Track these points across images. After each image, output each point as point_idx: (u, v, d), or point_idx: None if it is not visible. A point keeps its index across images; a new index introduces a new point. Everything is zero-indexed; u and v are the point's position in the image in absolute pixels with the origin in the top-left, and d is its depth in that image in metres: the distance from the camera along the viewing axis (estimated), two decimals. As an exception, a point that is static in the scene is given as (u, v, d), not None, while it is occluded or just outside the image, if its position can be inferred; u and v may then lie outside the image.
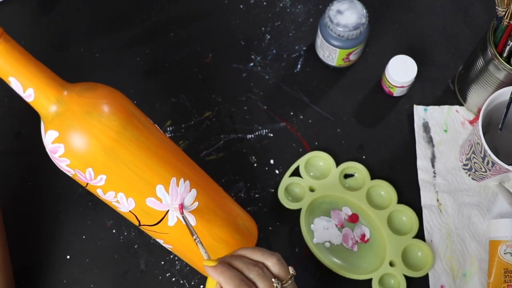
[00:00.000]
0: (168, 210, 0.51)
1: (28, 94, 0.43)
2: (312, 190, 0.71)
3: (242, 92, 0.76)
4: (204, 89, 0.76)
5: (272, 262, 0.49)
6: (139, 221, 0.52)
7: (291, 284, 0.49)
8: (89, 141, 0.44)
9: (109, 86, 0.47)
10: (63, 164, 0.46)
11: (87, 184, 0.48)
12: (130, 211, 0.51)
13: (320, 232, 0.69)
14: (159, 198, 0.50)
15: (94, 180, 0.47)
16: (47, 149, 0.46)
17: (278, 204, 0.70)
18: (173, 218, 0.52)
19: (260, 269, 0.48)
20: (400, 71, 0.71)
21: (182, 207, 0.51)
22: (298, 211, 0.70)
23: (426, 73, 0.76)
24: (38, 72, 0.42)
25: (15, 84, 0.42)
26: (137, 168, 0.47)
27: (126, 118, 0.46)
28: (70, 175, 0.47)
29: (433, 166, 0.72)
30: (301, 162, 0.72)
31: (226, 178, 0.72)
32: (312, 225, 0.70)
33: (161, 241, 0.58)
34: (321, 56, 0.76)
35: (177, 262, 0.69)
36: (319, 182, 0.71)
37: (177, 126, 0.75)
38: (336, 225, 0.70)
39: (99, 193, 0.49)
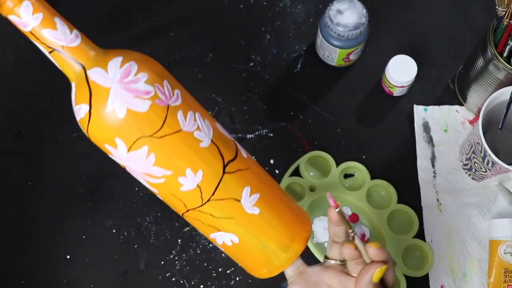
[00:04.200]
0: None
1: (75, 35, 0.46)
2: (312, 190, 0.71)
3: (242, 92, 0.76)
4: (204, 89, 0.76)
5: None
6: (222, 158, 0.48)
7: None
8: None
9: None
10: (140, 84, 0.44)
11: (167, 107, 0.45)
12: (211, 140, 0.47)
13: (320, 232, 0.69)
14: None
15: (173, 98, 0.45)
16: (118, 81, 0.44)
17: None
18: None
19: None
20: (400, 71, 0.71)
21: (335, 201, 0.47)
22: (298, 211, 0.70)
23: (426, 73, 0.76)
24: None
25: (61, 25, 0.44)
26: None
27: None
28: (147, 106, 0.44)
29: (433, 166, 0.72)
30: (301, 162, 0.72)
31: (226, 178, 0.72)
32: (312, 225, 0.70)
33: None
34: (321, 56, 0.76)
35: (177, 262, 0.69)
36: (319, 182, 0.71)
37: (177, 126, 0.75)
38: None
39: (180, 120, 0.45)
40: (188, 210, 0.49)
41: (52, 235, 0.71)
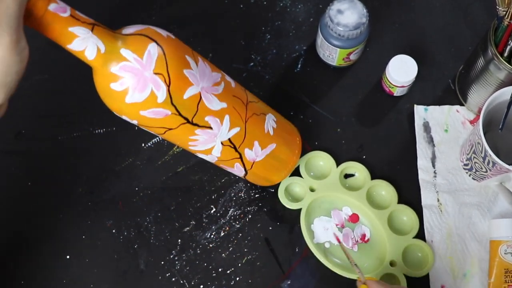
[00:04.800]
0: None
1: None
2: (312, 190, 0.71)
3: (242, 92, 0.76)
4: (204, 89, 0.76)
5: None
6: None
7: None
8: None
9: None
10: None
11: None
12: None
13: (320, 232, 0.69)
14: None
15: None
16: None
17: (278, 204, 0.70)
18: None
19: None
20: (401, 71, 0.71)
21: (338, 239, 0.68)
22: (298, 211, 0.70)
23: (427, 73, 0.76)
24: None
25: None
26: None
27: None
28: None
29: (433, 166, 0.72)
30: (301, 162, 0.72)
31: (226, 178, 0.72)
32: (312, 225, 0.70)
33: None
34: (321, 56, 0.76)
35: (177, 262, 0.69)
36: (319, 182, 0.71)
37: (177, 126, 0.75)
38: (336, 225, 0.70)
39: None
40: (246, 106, 0.59)
41: (52, 235, 0.71)
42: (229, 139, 0.57)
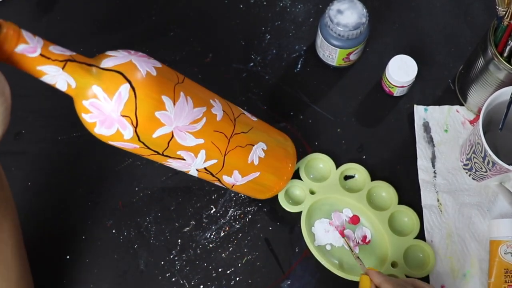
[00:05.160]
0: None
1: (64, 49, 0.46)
2: (312, 192, 0.70)
3: (242, 92, 0.76)
4: (204, 89, 0.76)
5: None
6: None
7: None
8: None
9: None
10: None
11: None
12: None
13: (321, 235, 0.69)
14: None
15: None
16: (131, 54, 0.50)
17: (278, 204, 0.70)
18: None
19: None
20: (400, 71, 0.71)
21: (343, 232, 0.68)
22: (298, 212, 0.70)
23: (426, 73, 0.76)
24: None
25: (54, 45, 0.45)
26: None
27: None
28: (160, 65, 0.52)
29: (433, 166, 0.72)
30: (300, 165, 0.72)
31: (226, 178, 0.72)
32: (313, 227, 0.69)
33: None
34: (321, 56, 0.76)
35: (177, 262, 0.69)
36: (319, 185, 0.71)
37: (177, 126, 0.75)
38: (336, 228, 0.69)
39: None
40: (229, 139, 0.57)
41: (52, 235, 0.71)
42: (205, 167, 0.57)
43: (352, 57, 0.74)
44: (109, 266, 0.69)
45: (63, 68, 0.45)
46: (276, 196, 0.70)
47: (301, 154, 0.72)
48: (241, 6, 0.81)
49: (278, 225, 0.70)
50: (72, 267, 0.69)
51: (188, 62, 0.78)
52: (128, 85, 0.47)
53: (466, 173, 0.71)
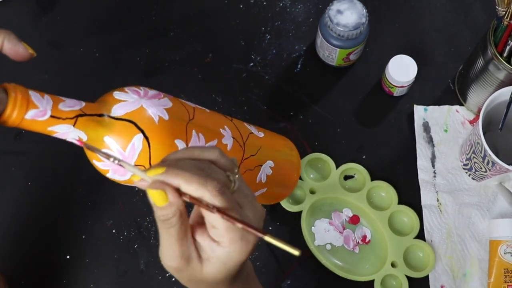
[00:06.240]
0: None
1: (74, 100, 0.44)
2: (312, 192, 0.70)
3: (242, 92, 0.76)
4: (204, 89, 0.76)
5: (215, 156, 0.41)
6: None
7: (239, 174, 0.42)
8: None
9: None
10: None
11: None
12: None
13: (321, 234, 0.69)
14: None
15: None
16: (142, 97, 0.48)
17: (278, 203, 0.70)
18: None
19: (208, 165, 0.41)
20: (400, 71, 0.71)
21: None
22: (298, 212, 0.70)
23: (426, 73, 0.76)
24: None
25: (64, 100, 0.43)
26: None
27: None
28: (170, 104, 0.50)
29: (433, 166, 0.72)
30: (301, 165, 0.72)
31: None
32: (313, 227, 0.70)
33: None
34: (321, 56, 0.76)
35: (177, 262, 0.69)
36: (319, 184, 0.71)
37: (177, 126, 0.75)
38: (336, 228, 0.70)
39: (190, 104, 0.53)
40: (239, 166, 0.57)
41: (52, 235, 0.71)
42: None
43: (352, 57, 0.74)
44: (109, 266, 0.69)
45: (74, 125, 0.43)
46: (276, 196, 0.71)
47: (301, 154, 0.72)
48: (241, 6, 0.81)
49: (278, 225, 0.70)
50: (72, 267, 0.69)
51: (188, 62, 0.78)
52: (141, 135, 0.46)
53: (466, 173, 0.71)
